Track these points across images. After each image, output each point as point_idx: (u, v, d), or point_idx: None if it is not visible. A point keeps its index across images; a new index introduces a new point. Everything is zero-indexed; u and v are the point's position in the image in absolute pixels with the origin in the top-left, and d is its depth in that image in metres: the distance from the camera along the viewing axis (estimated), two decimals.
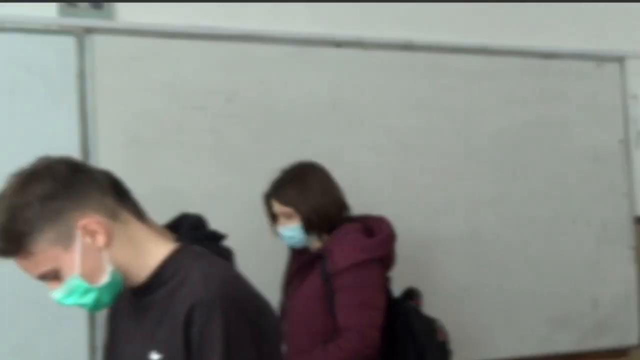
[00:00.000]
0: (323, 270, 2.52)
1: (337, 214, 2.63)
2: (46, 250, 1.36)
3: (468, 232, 3.66)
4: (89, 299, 1.42)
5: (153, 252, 1.49)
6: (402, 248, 2.75)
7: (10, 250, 1.36)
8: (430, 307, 2.77)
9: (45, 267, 1.38)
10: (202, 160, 3.22)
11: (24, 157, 1.45)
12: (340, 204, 2.66)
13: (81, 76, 3.08)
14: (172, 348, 1.39)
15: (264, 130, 3.35)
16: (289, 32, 3.39)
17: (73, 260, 1.38)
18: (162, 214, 2.07)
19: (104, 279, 1.41)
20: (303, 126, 3.41)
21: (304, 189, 2.58)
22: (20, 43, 3.02)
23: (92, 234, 1.39)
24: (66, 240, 1.37)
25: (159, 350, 1.41)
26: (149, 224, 1.62)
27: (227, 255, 1.99)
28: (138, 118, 3.15)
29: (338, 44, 3.49)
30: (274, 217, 2.65)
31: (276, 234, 2.68)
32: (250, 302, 1.44)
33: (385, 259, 2.62)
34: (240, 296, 1.42)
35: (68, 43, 3.08)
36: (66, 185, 1.38)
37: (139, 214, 1.61)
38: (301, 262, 2.64)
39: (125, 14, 3.19)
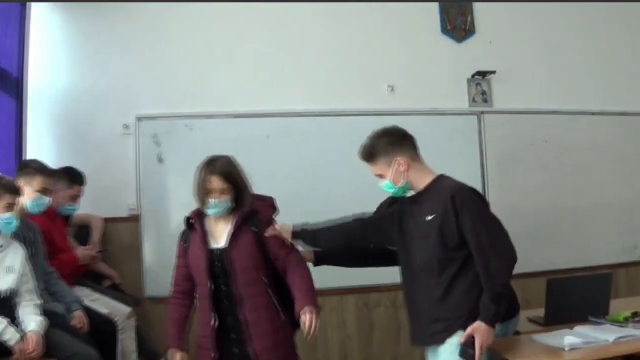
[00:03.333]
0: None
1: None
2: (379, 164, 3.15)
3: None
4: (392, 190, 3.17)
5: (427, 177, 3.15)
6: None
7: (367, 159, 3.19)
8: None
9: (378, 172, 3.18)
10: None
11: None
12: None
13: None
14: (441, 213, 2.98)
15: None
16: None
17: (389, 173, 3.14)
18: None
19: (399, 185, 3.15)
20: None
21: None
22: None
23: (399, 164, 3.11)
24: (388, 163, 3.13)
25: (431, 214, 3.04)
26: (424, 165, 3.20)
27: None
28: None
29: None
30: None
31: None
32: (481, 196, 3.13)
33: None
34: (476, 191, 3.09)
35: None
36: (399, 141, 3.15)
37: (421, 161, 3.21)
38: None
39: None
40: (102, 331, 4.07)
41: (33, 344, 3.36)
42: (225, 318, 3.28)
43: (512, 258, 2.92)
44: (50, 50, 5.26)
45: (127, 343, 4.44)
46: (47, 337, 3.47)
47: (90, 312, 4.05)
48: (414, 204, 3.19)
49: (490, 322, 2.87)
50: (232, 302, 3.25)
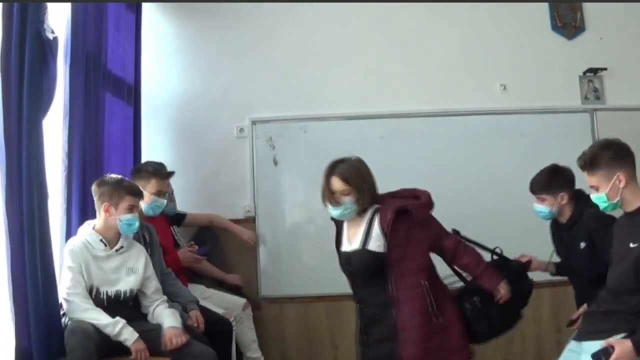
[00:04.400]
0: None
1: None
2: (598, 176, 3.00)
3: None
4: (604, 204, 3.03)
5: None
6: None
7: (586, 168, 3.04)
8: None
9: (594, 183, 3.05)
10: None
11: None
12: None
13: None
14: None
15: None
16: None
17: (606, 187, 2.99)
18: None
19: (613, 201, 3.00)
20: None
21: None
22: None
23: (619, 180, 2.96)
24: (607, 177, 2.97)
25: (635, 241, 2.88)
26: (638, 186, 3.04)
27: None
28: None
29: None
30: None
31: None
32: None
33: None
34: None
35: None
36: (623, 156, 3.00)
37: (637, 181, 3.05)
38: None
39: None
40: (218, 330, 4.11)
41: (170, 338, 3.47)
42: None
43: None
44: (163, 56, 5.39)
45: (246, 333, 4.55)
46: (164, 337, 3.53)
47: (206, 312, 4.12)
48: (624, 224, 3.10)
49: (637, 347, 2.75)
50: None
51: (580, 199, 3.66)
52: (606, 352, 2.78)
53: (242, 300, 4.66)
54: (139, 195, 3.64)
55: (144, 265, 3.65)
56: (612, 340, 2.80)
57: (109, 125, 4.37)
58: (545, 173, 3.78)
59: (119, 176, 3.63)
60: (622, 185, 2.97)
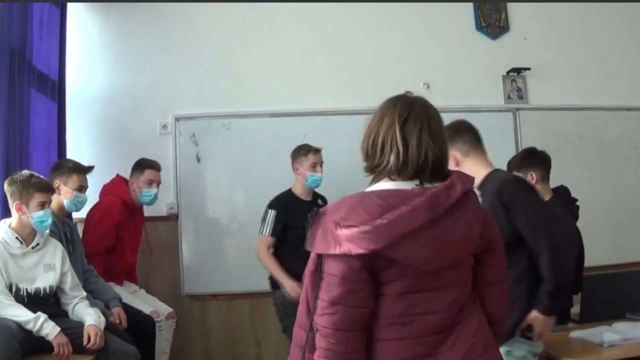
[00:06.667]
0: None
1: None
2: None
3: None
4: None
5: (481, 172, 2.95)
6: None
7: None
8: None
9: None
10: None
11: None
12: None
13: None
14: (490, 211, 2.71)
15: None
16: None
17: None
18: None
19: None
20: None
21: None
22: None
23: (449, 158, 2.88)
24: None
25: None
26: (485, 157, 3.06)
27: None
28: None
29: None
30: None
31: None
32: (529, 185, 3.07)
33: None
34: (521, 180, 3.06)
35: None
36: (451, 135, 2.85)
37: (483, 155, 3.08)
38: None
39: None
40: (140, 328, 4.10)
41: (92, 337, 3.45)
42: None
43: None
44: (88, 53, 5.35)
45: (161, 342, 4.48)
46: (85, 333, 3.50)
47: (129, 309, 4.12)
48: None
49: (547, 313, 2.80)
50: None
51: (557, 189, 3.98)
52: (527, 330, 2.84)
53: (168, 309, 4.63)
54: (49, 190, 3.62)
55: (61, 261, 3.63)
56: (528, 318, 2.82)
57: (33, 122, 4.33)
58: (520, 153, 4.17)
59: (29, 173, 3.60)
60: (452, 162, 2.92)
